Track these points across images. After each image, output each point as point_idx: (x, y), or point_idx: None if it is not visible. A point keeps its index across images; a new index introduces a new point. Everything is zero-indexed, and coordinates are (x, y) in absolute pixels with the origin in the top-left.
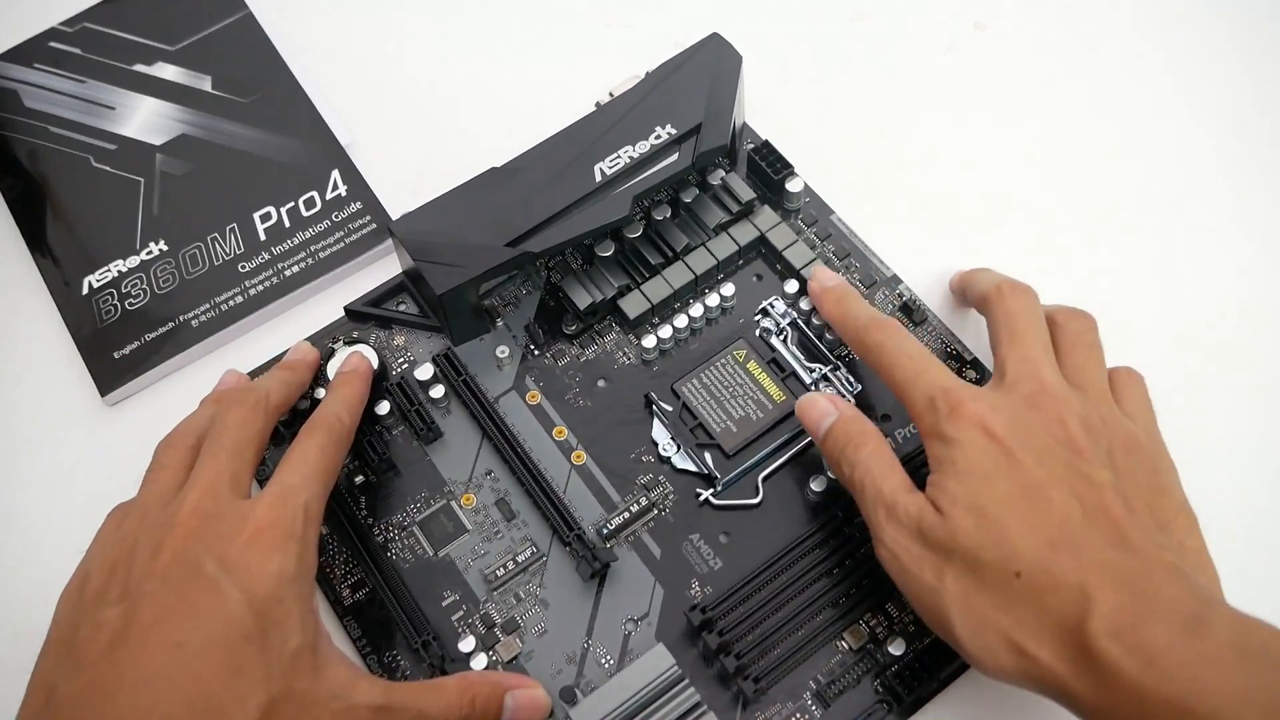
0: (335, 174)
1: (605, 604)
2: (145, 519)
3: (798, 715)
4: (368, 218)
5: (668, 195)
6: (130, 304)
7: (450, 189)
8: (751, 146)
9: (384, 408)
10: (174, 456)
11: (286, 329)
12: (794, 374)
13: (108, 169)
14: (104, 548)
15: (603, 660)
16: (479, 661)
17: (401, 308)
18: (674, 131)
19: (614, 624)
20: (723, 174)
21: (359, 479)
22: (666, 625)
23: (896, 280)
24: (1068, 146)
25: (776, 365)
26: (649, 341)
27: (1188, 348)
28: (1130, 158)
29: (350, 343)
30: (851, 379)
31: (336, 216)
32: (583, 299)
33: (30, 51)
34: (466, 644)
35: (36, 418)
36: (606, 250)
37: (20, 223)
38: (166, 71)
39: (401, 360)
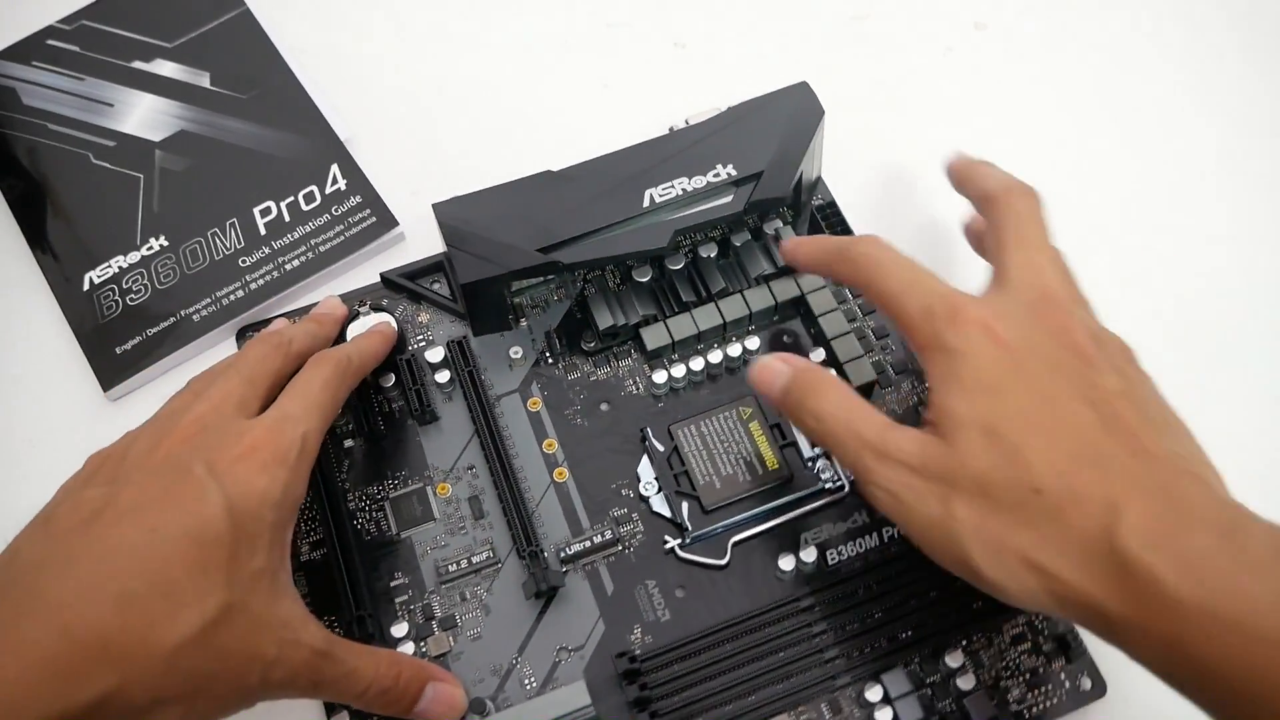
0: (334, 168)
1: (545, 626)
2: (151, 424)
3: None
4: (367, 211)
5: (720, 234)
6: (131, 299)
7: (502, 182)
8: (818, 203)
9: (390, 379)
10: (197, 384)
11: None
12: (794, 444)
13: (107, 165)
14: (108, 448)
15: (526, 681)
16: (406, 649)
17: (435, 286)
18: (734, 173)
19: (548, 648)
20: (779, 225)
21: (347, 443)
22: (597, 664)
23: None
24: (1069, 146)
25: (779, 431)
26: (660, 376)
27: (1190, 348)
28: (1133, 157)
29: (377, 309)
30: None
31: (336, 210)
32: (605, 319)
33: (28, 49)
34: (399, 629)
35: (39, 414)
36: (644, 276)
37: (20, 220)
38: (165, 68)
39: (420, 338)
